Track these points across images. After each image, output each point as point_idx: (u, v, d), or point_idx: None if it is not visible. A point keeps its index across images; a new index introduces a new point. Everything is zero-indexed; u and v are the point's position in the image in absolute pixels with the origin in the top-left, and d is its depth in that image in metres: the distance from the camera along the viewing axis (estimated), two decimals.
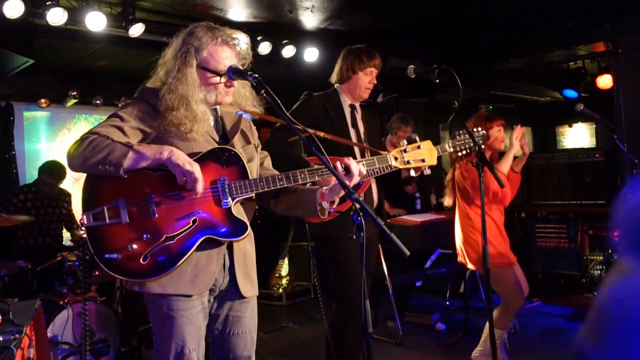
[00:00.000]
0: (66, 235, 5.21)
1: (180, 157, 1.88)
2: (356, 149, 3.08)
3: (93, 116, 6.78)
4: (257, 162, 2.19)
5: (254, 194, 2.02)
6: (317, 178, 2.02)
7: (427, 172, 2.27)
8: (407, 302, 5.39)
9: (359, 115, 3.22)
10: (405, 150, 2.16)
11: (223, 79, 2.01)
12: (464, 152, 2.57)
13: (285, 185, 2.04)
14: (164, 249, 1.91)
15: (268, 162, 2.29)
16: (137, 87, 2.12)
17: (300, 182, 2.03)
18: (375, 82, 3.17)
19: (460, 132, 2.42)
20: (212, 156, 1.99)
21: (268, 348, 4.48)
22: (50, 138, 6.53)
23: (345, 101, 3.18)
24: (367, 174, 2.48)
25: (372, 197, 3.13)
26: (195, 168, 1.88)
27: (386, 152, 2.17)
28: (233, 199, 1.97)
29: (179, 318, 1.96)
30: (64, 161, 4.99)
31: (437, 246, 5.63)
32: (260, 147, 2.28)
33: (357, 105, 3.23)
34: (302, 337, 4.90)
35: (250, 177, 2.00)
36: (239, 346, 2.13)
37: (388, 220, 4.90)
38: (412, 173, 2.24)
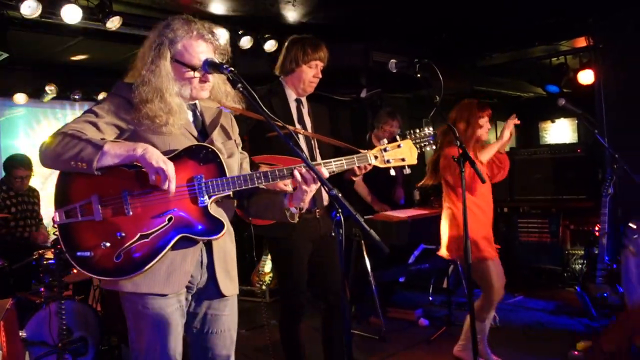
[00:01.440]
0: None
1: (154, 155, 1.83)
2: (303, 146, 2.93)
3: (71, 111, 6.65)
4: (237, 158, 2.15)
5: (231, 192, 1.98)
6: (295, 174, 1.98)
7: (407, 171, 2.25)
8: (391, 298, 5.39)
9: (305, 110, 3.06)
10: (385, 149, 2.14)
11: (197, 74, 1.96)
12: (427, 146, 2.48)
13: (264, 183, 1.99)
14: (138, 247, 1.86)
15: (246, 164, 2.25)
16: (116, 81, 2.08)
17: (278, 180, 1.99)
18: (320, 76, 2.99)
19: (411, 131, 2.38)
20: (189, 153, 1.94)
21: (250, 345, 4.45)
22: (28, 133, 6.40)
23: (291, 95, 3.02)
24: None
25: (321, 198, 2.98)
26: (169, 166, 1.83)
27: (366, 151, 2.14)
28: (210, 197, 1.93)
29: (155, 316, 1.93)
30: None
31: (420, 242, 5.63)
32: (241, 145, 2.23)
33: (303, 99, 3.07)
34: None
35: (228, 175, 1.96)
36: (217, 345, 2.10)
37: (371, 216, 4.89)
38: (392, 172, 2.22)
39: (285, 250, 2.96)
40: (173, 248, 1.90)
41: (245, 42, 5.08)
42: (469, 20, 5.33)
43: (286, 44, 3.01)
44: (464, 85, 6.54)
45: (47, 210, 4.99)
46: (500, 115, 6.98)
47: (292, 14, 5.03)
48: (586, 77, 5.53)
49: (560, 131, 9.14)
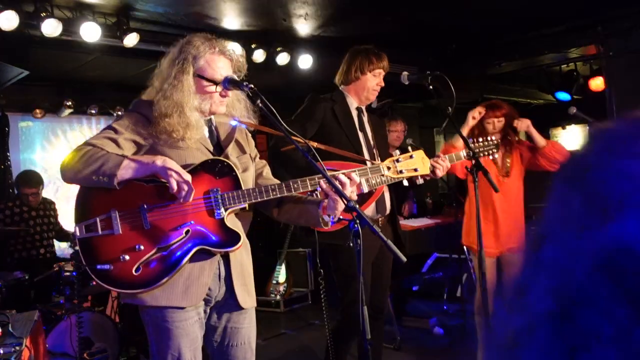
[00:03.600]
0: (57, 245, 5.17)
1: (173, 165, 1.89)
2: (365, 152, 2.97)
3: (88, 126, 6.77)
4: (252, 172, 2.19)
5: (247, 205, 2.03)
6: (310, 188, 2.02)
7: (420, 181, 2.28)
8: (405, 307, 5.40)
9: (365, 119, 3.12)
10: (397, 160, 2.16)
11: (219, 88, 2.02)
12: (492, 154, 2.57)
13: (279, 196, 2.03)
14: (157, 260, 1.92)
15: (267, 171, 2.29)
16: (132, 96, 2.14)
17: (293, 192, 2.03)
18: (383, 84, 3.07)
19: (476, 139, 2.43)
20: (205, 167, 2.00)
21: (266, 355, 4.47)
22: (46, 148, 6.52)
23: (352, 104, 3.08)
24: (376, 182, 2.46)
25: (384, 204, 2.99)
26: (186, 177, 1.89)
27: (379, 162, 2.17)
28: (226, 210, 1.98)
29: (175, 329, 1.97)
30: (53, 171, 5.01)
31: (433, 250, 5.65)
32: (257, 157, 2.28)
33: (363, 108, 3.13)
34: (300, 344, 4.90)
35: (243, 188, 2.01)
36: (238, 357, 2.14)
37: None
38: (405, 183, 2.25)
39: (347, 258, 2.79)
40: (190, 260, 1.95)
41: (258, 55, 5.16)
42: (477, 29, 5.38)
43: (348, 54, 3.10)
44: (474, 93, 6.57)
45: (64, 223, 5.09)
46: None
47: (303, 28, 5.12)
48: (597, 83, 5.54)
49: (571, 138, 9.12)
